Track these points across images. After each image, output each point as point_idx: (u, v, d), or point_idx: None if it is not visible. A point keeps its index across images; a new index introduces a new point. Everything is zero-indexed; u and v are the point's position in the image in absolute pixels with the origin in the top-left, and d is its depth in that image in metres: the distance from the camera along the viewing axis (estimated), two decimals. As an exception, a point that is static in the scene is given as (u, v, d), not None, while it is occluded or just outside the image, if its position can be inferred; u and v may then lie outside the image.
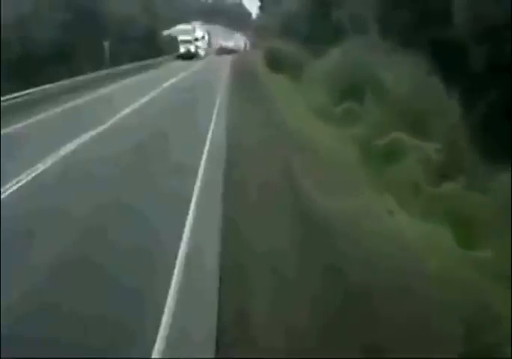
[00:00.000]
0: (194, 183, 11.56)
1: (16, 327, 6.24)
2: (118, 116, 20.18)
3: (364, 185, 12.32)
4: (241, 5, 76.46)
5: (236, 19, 69.71)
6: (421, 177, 11.97)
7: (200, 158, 13.75)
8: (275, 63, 36.59)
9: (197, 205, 10.24)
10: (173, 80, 35.26)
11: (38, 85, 27.14)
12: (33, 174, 12.23)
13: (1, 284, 6.98)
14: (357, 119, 17.77)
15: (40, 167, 12.70)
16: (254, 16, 77.90)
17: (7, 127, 17.60)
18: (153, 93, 27.68)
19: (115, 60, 42.68)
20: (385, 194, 11.45)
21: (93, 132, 16.78)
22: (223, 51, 63.81)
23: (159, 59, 51.71)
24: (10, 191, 11.11)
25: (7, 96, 22.53)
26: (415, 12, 25.36)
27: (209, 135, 16.92)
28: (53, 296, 6.95)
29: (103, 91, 30.48)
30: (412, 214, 10.30)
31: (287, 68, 33.27)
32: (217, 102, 24.47)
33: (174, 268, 7.64)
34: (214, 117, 20.50)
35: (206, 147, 15.09)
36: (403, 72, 18.43)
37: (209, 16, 62.78)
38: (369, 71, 20.12)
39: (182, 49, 59.52)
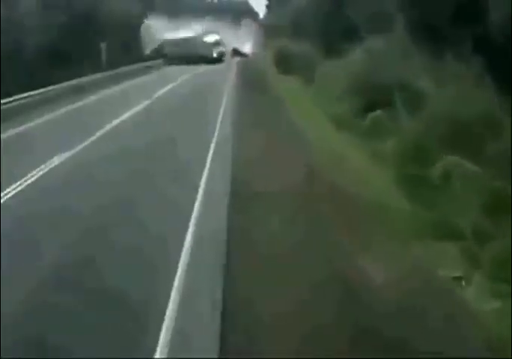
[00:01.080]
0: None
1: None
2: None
3: (410, 230, 9.27)
4: (247, 4, 73.75)
5: (243, 19, 66.72)
6: (490, 222, 8.86)
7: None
8: (286, 64, 33.69)
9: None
10: (173, 84, 32.46)
11: (29, 90, 25.22)
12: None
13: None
14: (388, 133, 14.65)
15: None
16: (261, 15, 75.28)
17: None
18: (149, 101, 25.19)
19: (113, 63, 40.23)
20: (443, 245, 8.42)
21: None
22: (237, 53, 60.39)
23: (160, 61, 48.84)
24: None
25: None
26: (447, 6, 22.36)
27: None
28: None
29: (102, 94, 28.96)
30: (492, 281, 7.25)
31: (298, 70, 30.31)
32: (222, 106, 22.61)
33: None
34: (218, 124, 18.69)
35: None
36: (443, 76, 15.34)
37: (214, 15, 59.51)
38: (400, 74, 17.03)
39: (214, 54, 52.65)
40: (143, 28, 47.60)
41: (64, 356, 5.69)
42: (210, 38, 53.79)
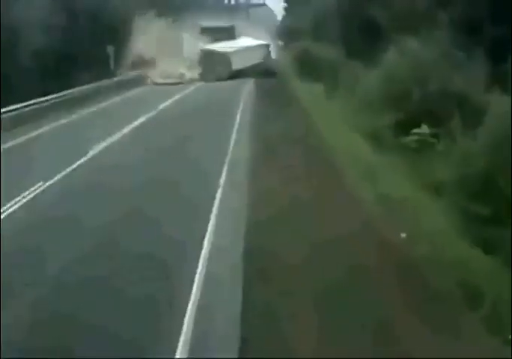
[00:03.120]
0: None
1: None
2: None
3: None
4: (264, 5, 71.52)
5: (260, 21, 64.23)
6: None
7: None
8: (308, 69, 31.00)
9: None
10: (180, 94, 29.74)
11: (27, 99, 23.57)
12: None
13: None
14: (439, 154, 11.82)
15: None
16: (279, 17, 72.79)
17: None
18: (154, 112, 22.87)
19: (122, 68, 37.81)
20: None
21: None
22: None
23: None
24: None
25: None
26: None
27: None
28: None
29: (108, 103, 27.22)
30: None
31: (322, 75, 27.61)
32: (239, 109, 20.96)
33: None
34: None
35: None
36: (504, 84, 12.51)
37: (230, 17, 56.87)
38: (448, 80, 14.26)
39: None
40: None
41: None
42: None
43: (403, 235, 8.77)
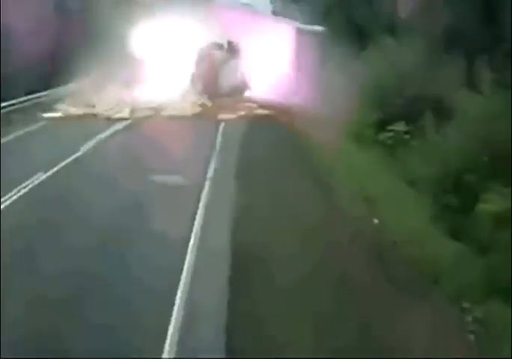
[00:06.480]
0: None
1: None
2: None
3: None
4: (252, 7, 71.30)
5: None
6: None
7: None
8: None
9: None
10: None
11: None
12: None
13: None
14: (413, 151, 12.58)
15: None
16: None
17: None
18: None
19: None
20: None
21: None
22: None
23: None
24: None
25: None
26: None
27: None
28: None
29: None
30: None
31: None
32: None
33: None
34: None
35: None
36: (475, 85, 13.31)
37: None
38: (422, 80, 15.04)
39: None
40: None
41: None
42: None
43: (376, 221, 9.61)
